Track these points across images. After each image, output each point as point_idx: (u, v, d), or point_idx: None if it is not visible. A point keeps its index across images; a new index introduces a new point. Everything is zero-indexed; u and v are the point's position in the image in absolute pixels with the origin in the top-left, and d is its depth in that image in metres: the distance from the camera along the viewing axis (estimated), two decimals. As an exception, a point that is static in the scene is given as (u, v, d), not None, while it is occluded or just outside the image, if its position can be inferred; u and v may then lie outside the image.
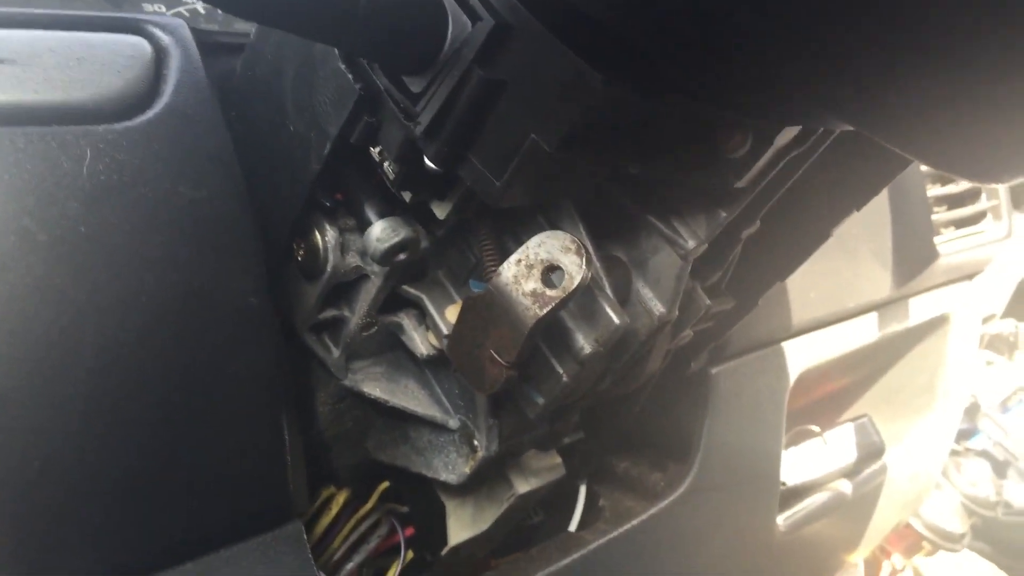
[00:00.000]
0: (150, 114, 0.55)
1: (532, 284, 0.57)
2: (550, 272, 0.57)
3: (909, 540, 2.03)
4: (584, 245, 0.56)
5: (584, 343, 0.62)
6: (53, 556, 0.53)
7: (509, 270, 0.58)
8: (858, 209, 0.73)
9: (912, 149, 0.41)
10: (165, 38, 0.59)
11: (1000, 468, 2.19)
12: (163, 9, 0.95)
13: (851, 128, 0.51)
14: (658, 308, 0.65)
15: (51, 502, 0.52)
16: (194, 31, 0.64)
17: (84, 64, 0.53)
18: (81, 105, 0.52)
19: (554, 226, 0.64)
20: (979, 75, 0.32)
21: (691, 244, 0.62)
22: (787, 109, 0.51)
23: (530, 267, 0.57)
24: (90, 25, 0.57)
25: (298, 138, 0.62)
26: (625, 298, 0.66)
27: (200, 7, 0.94)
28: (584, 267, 0.55)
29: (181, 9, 0.95)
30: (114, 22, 0.58)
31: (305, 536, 0.64)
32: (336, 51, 0.56)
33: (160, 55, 0.58)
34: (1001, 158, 0.40)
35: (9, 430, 0.50)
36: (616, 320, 0.61)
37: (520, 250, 0.57)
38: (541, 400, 0.67)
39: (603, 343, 0.62)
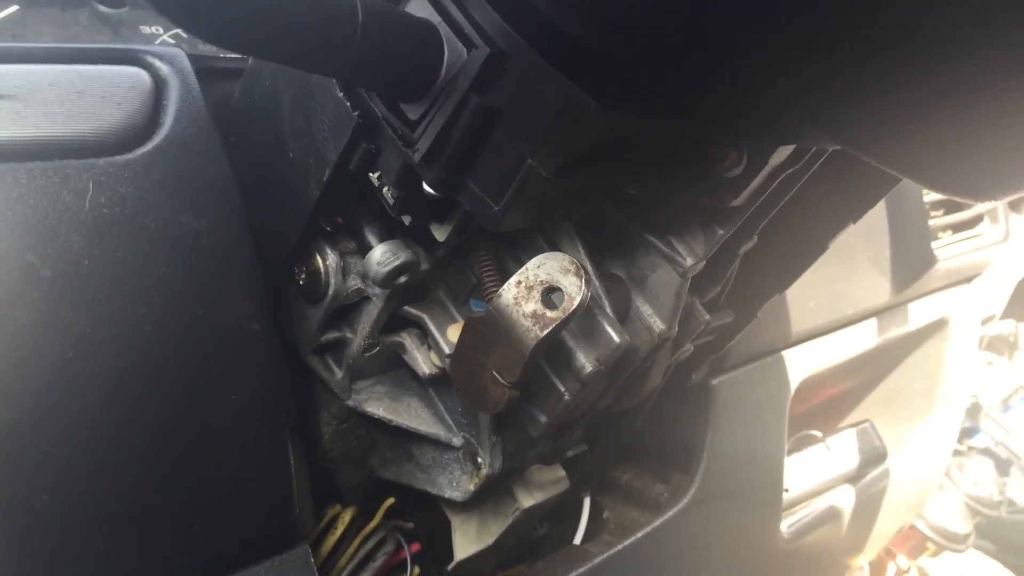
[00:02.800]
0: (150, 145, 0.56)
1: (532, 305, 0.57)
2: (550, 293, 0.57)
3: (914, 542, 2.03)
4: (583, 266, 0.56)
5: (585, 362, 0.62)
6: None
7: (509, 292, 0.58)
8: (855, 222, 0.73)
9: (904, 170, 0.42)
10: (164, 68, 0.59)
11: (1003, 467, 2.19)
12: (160, 31, 0.95)
13: (840, 148, 0.52)
14: (658, 325, 0.66)
15: (59, 533, 0.53)
16: (191, 58, 0.64)
17: (84, 97, 0.54)
18: (82, 138, 0.53)
19: (553, 246, 0.65)
20: (969, 97, 0.33)
21: (689, 261, 0.62)
22: (780, 130, 0.51)
23: (530, 288, 0.57)
24: (89, 58, 0.57)
25: (297, 164, 0.62)
26: (625, 316, 0.66)
27: (196, 29, 0.95)
28: (584, 288, 0.55)
29: (179, 31, 0.95)
30: (112, 54, 0.59)
31: (312, 559, 0.64)
32: (334, 80, 0.57)
33: (159, 86, 0.58)
34: (993, 177, 0.40)
35: (17, 462, 0.51)
36: (616, 339, 0.61)
37: (520, 272, 0.58)
38: (543, 418, 0.68)
39: (604, 361, 0.62)
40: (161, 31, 0.95)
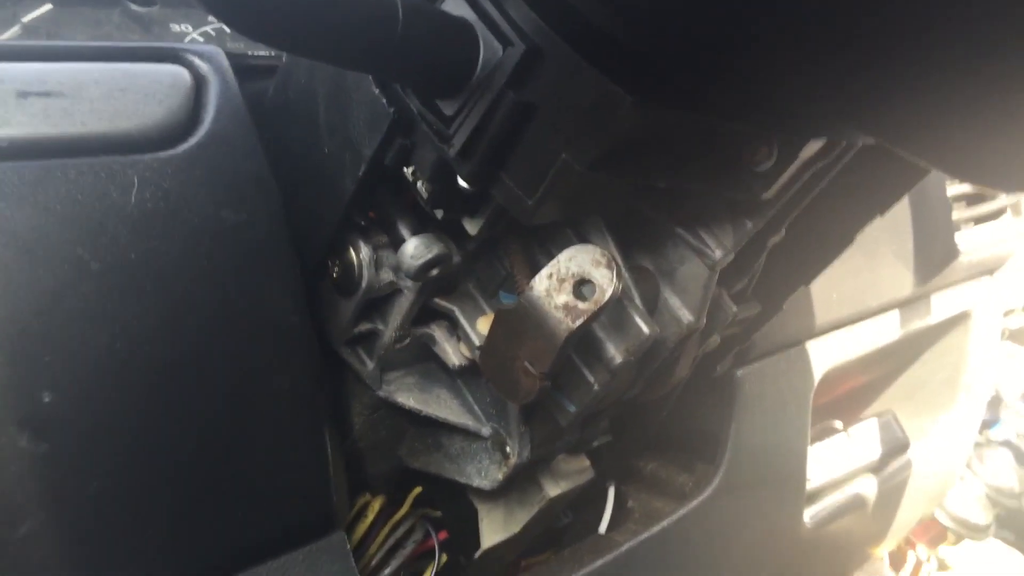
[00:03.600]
0: (192, 142, 0.57)
1: (564, 297, 0.58)
2: (581, 285, 0.58)
3: (934, 532, 2.03)
4: (614, 258, 0.57)
5: (615, 353, 0.63)
6: (106, 566, 0.55)
7: (541, 284, 0.59)
8: (882, 214, 0.73)
9: (938, 162, 0.42)
10: (203, 66, 0.61)
11: (1023, 458, 2.18)
12: (190, 29, 0.96)
13: (875, 142, 0.52)
14: (686, 317, 0.66)
15: (108, 519, 0.54)
16: (228, 55, 0.65)
17: (127, 94, 0.55)
18: (127, 135, 0.54)
19: (583, 239, 0.66)
20: (1003, 87, 0.33)
21: (718, 254, 0.63)
22: (813, 124, 0.52)
23: (561, 281, 0.58)
24: (131, 55, 0.59)
25: (332, 159, 0.63)
26: (653, 308, 0.67)
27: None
28: (615, 280, 0.56)
29: (208, 28, 0.97)
30: (153, 52, 0.60)
31: (348, 545, 0.66)
32: (370, 77, 0.58)
33: (199, 83, 0.60)
34: (1020, 167, 0.40)
35: (71, 450, 0.52)
36: (646, 330, 0.62)
37: (551, 264, 0.59)
38: (573, 408, 0.69)
39: (633, 352, 0.63)
40: (191, 29, 0.97)
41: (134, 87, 0.56)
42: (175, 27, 0.96)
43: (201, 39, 0.97)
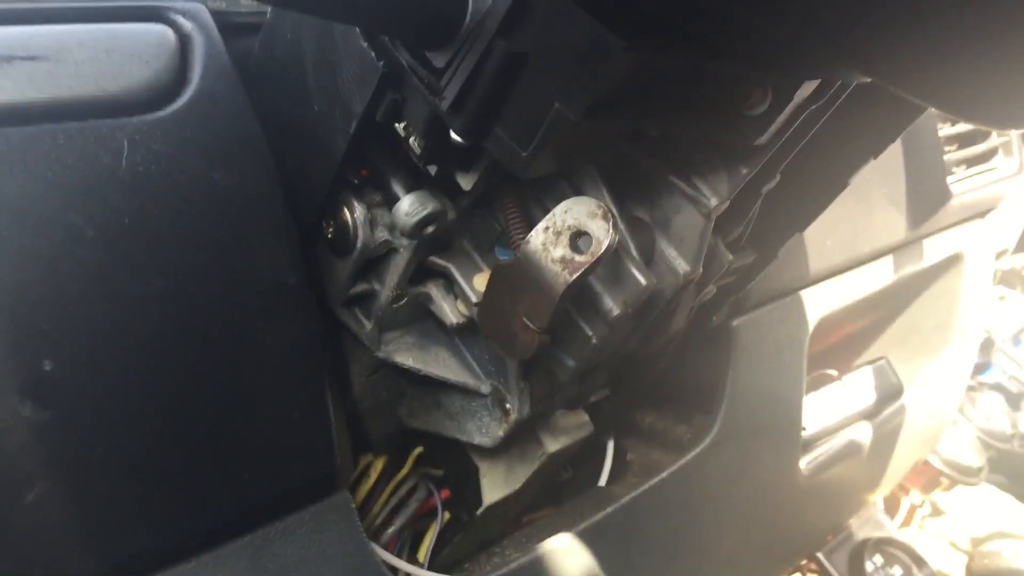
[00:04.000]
0: (180, 103, 0.56)
1: (560, 250, 0.58)
2: (577, 238, 0.58)
3: (927, 476, 2.06)
4: (610, 209, 0.57)
5: (612, 305, 0.63)
6: (114, 530, 0.56)
7: (537, 237, 0.59)
8: (875, 157, 0.73)
9: (932, 98, 0.42)
10: (187, 24, 0.59)
11: (1014, 400, 2.21)
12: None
13: (870, 80, 0.52)
14: (683, 266, 0.66)
15: (113, 483, 0.54)
16: (211, 13, 0.64)
17: (112, 56, 0.54)
18: (114, 98, 0.53)
19: (577, 191, 0.65)
20: (996, 21, 0.33)
21: (713, 202, 0.63)
22: (807, 64, 0.51)
23: (558, 234, 0.58)
24: (113, 15, 0.57)
25: (322, 117, 0.62)
26: (650, 258, 0.67)
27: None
28: (611, 232, 0.56)
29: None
30: (136, 11, 0.59)
31: (352, 504, 0.66)
32: (357, 29, 0.57)
33: (184, 42, 0.59)
34: (1018, 104, 0.40)
35: (73, 417, 0.52)
36: (643, 281, 0.62)
37: (547, 217, 0.58)
38: (571, 363, 0.69)
39: (631, 304, 0.63)
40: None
41: (119, 48, 0.55)
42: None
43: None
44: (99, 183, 0.52)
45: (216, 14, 0.65)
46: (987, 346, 2.20)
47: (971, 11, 0.32)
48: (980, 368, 2.25)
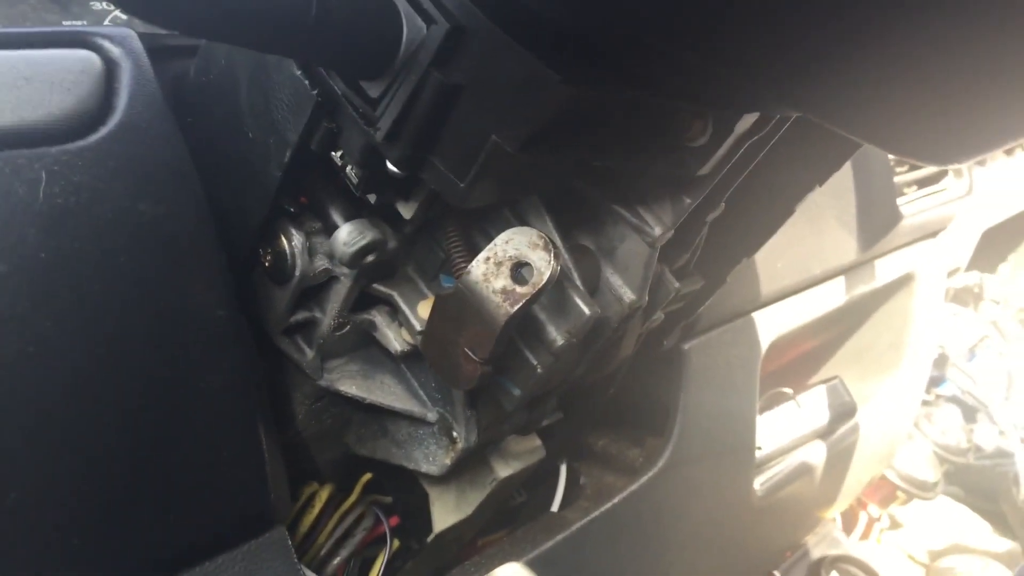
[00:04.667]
0: (104, 131, 0.54)
1: (502, 281, 0.57)
2: (519, 268, 0.57)
3: (884, 491, 2.08)
4: (552, 240, 0.56)
5: (557, 335, 0.62)
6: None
7: (478, 268, 0.58)
8: (820, 184, 0.73)
9: (862, 134, 0.42)
10: (115, 50, 0.57)
11: (969, 414, 2.24)
12: (111, 7, 0.92)
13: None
14: (628, 295, 0.66)
15: (30, 530, 0.52)
16: (143, 36, 0.62)
17: (32, 84, 0.52)
18: (32, 127, 0.51)
19: (521, 220, 0.65)
20: (925, 64, 0.33)
21: (658, 231, 0.62)
22: (744, 99, 0.51)
23: (499, 264, 0.57)
24: (35, 42, 0.55)
25: (257, 144, 0.61)
26: (595, 287, 0.66)
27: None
28: (552, 262, 0.55)
29: (130, 8, 0.92)
30: (60, 37, 0.56)
31: (289, 541, 0.64)
32: None
33: (110, 68, 0.56)
34: (954, 142, 0.40)
35: None
36: (587, 311, 0.61)
37: (488, 248, 0.57)
38: (517, 391, 0.68)
39: (575, 334, 0.63)
40: (112, 7, 0.92)
41: (39, 76, 0.53)
42: (96, 5, 0.92)
43: (125, 16, 0.93)
44: (13, 216, 0.49)
45: (150, 37, 0.63)
46: (942, 361, 2.23)
47: (889, 54, 0.32)
48: (936, 381, 2.28)
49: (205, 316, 0.58)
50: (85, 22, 0.87)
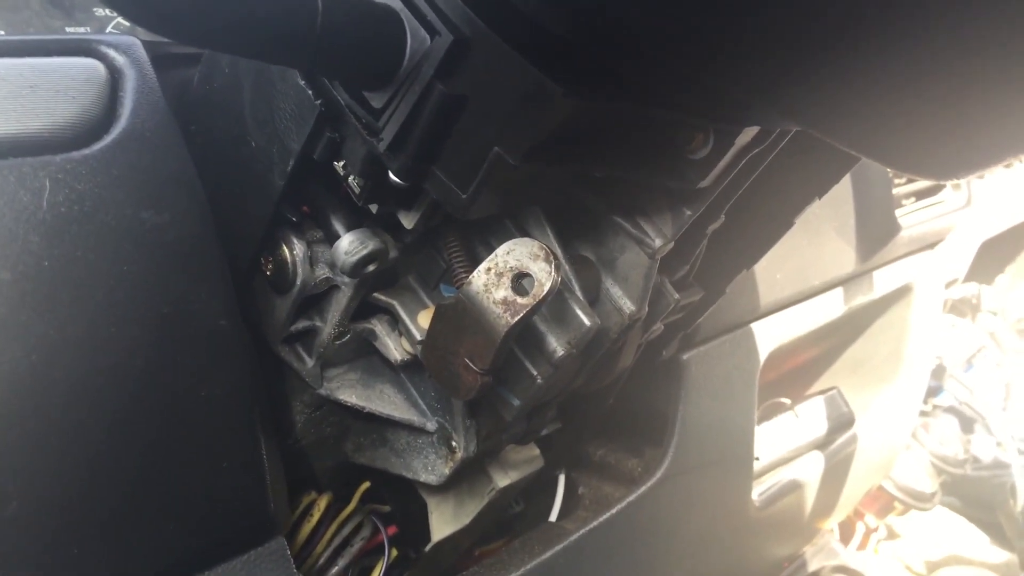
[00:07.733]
0: (108, 140, 0.54)
1: (503, 292, 0.57)
2: (520, 279, 0.57)
3: (882, 502, 2.08)
4: (553, 251, 0.56)
5: (557, 346, 0.63)
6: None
7: (479, 279, 0.58)
8: (820, 197, 0.74)
9: (867, 151, 0.42)
10: (119, 58, 0.57)
11: (967, 424, 2.24)
12: (115, 14, 0.92)
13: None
14: (628, 306, 0.66)
15: (30, 539, 0.52)
16: (147, 44, 0.62)
17: (37, 92, 0.52)
18: (37, 135, 0.51)
19: (522, 230, 0.65)
20: (924, 80, 0.33)
21: (658, 243, 0.62)
22: (744, 113, 0.51)
23: (500, 275, 0.57)
24: (40, 49, 0.55)
25: (260, 153, 0.61)
26: (595, 298, 0.66)
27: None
28: (553, 273, 0.55)
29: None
30: (65, 45, 0.57)
31: (288, 550, 0.64)
32: None
33: (115, 77, 0.57)
34: (953, 158, 0.41)
35: None
36: (587, 322, 0.62)
37: (489, 258, 0.58)
38: (517, 402, 0.68)
39: (575, 345, 0.63)
40: (116, 14, 0.93)
41: (44, 84, 0.53)
42: (99, 12, 0.92)
43: (127, 24, 0.93)
44: (17, 224, 0.49)
45: (154, 45, 0.64)
46: (939, 372, 2.23)
47: (890, 70, 0.33)
48: (933, 391, 2.28)
49: (207, 325, 0.58)
50: (88, 28, 0.87)
